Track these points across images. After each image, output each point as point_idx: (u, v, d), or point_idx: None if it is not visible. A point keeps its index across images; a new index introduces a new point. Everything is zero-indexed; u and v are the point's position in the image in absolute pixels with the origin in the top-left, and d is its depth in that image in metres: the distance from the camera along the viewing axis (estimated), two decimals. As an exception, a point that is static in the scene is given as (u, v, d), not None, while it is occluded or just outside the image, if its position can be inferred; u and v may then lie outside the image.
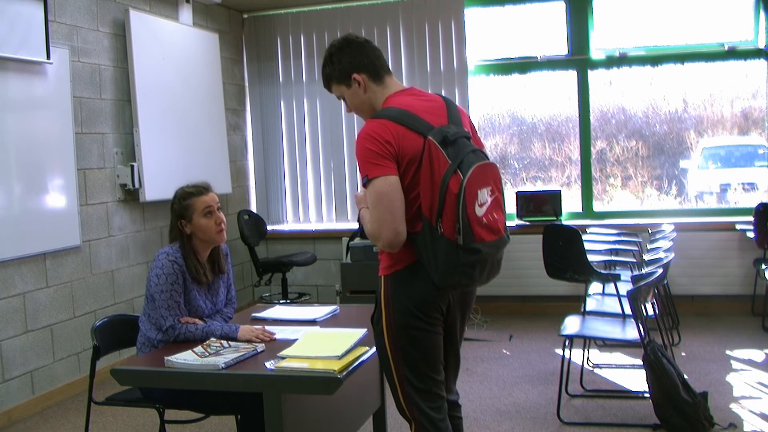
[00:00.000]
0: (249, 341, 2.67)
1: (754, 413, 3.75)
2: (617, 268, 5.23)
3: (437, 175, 2.15)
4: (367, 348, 2.46)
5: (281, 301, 6.14)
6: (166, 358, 2.44)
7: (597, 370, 4.56)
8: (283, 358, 2.39)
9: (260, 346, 2.57)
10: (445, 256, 2.14)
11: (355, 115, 7.47)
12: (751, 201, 6.01)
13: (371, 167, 2.19)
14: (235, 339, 2.70)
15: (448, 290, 2.28)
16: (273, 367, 2.32)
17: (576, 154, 6.43)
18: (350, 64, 2.37)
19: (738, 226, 5.76)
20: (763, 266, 5.31)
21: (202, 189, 2.92)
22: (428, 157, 2.17)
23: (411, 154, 2.21)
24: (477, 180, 2.17)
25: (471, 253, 2.14)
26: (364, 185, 2.23)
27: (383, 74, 2.40)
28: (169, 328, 2.73)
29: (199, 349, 2.52)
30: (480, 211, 2.17)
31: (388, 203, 2.17)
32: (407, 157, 2.21)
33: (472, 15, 6.44)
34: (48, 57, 4.35)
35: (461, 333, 2.48)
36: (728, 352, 4.87)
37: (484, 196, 2.19)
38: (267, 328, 2.87)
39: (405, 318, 2.26)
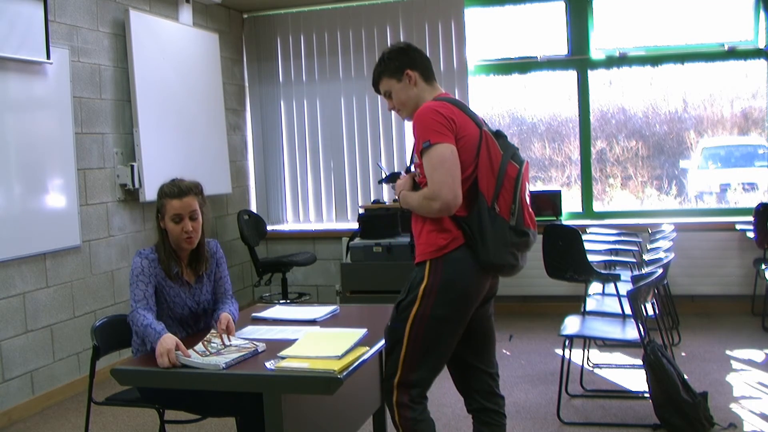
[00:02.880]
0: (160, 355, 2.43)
1: (754, 413, 3.75)
2: (617, 268, 5.23)
3: (495, 160, 2.36)
4: (367, 348, 2.46)
5: (281, 301, 6.14)
6: None
7: (597, 370, 4.56)
8: (283, 358, 2.39)
9: (261, 346, 2.55)
10: (500, 235, 2.31)
11: (355, 116, 7.39)
12: (751, 201, 6.01)
13: (435, 134, 2.33)
14: (155, 339, 2.49)
15: (496, 271, 2.43)
16: (273, 367, 2.32)
17: (576, 154, 6.43)
18: (406, 61, 2.56)
19: (738, 226, 5.76)
20: (763, 266, 5.31)
21: (180, 191, 2.78)
22: (486, 145, 2.37)
23: (466, 138, 2.37)
24: (526, 174, 2.41)
25: (521, 235, 2.34)
26: (422, 151, 2.35)
27: (432, 78, 2.60)
28: (132, 305, 2.69)
29: (199, 347, 2.51)
30: (527, 201, 2.41)
31: (450, 167, 2.31)
32: (462, 139, 2.37)
33: (472, 15, 6.45)
34: (48, 57, 4.35)
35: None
36: (728, 352, 4.87)
37: (527, 190, 2.43)
38: (267, 327, 2.88)
39: (446, 309, 2.37)
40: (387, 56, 2.59)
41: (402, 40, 6.45)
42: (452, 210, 2.32)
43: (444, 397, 4.03)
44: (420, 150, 2.35)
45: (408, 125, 6.61)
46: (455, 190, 2.30)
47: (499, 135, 2.42)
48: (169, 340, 2.45)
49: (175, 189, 2.79)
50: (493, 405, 2.60)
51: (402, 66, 2.54)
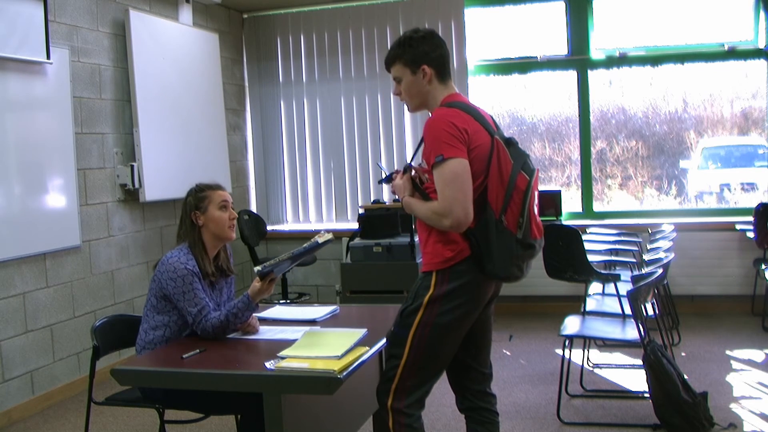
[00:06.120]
0: (263, 291, 2.72)
1: (754, 413, 3.75)
2: (617, 268, 5.23)
3: (505, 172, 2.30)
4: (367, 348, 2.46)
5: (281, 301, 6.14)
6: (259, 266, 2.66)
7: (597, 370, 4.56)
8: (283, 358, 2.39)
9: (324, 236, 2.68)
10: (507, 248, 2.29)
11: (355, 116, 7.38)
12: (751, 201, 6.02)
13: (447, 148, 2.28)
14: (249, 304, 2.72)
15: (500, 281, 2.45)
16: (273, 367, 2.32)
17: (576, 154, 6.43)
18: (425, 54, 2.45)
19: (738, 226, 5.76)
20: (763, 266, 5.31)
21: (219, 185, 2.99)
22: (497, 155, 2.31)
23: (478, 149, 2.33)
24: (535, 183, 2.38)
25: (527, 248, 2.32)
26: (434, 165, 2.30)
27: (448, 77, 2.51)
28: (196, 314, 2.72)
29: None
30: (535, 211, 2.38)
31: (462, 183, 2.27)
32: (475, 150, 2.33)
33: (472, 15, 6.45)
34: (48, 57, 4.35)
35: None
36: (728, 352, 4.87)
37: (535, 198, 2.39)
38: (267, 327, 2.88)
39: (450, 316, 2.37)
40: (408, 42, 2.45)
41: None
42: (462, 227, 2.29)
43: (444, 397, 4.03)
44: (432, 163, 2.31)
45: (408, 124, 6.64)
46: (467, 208, 2.26)
47: (510, 143, 2.36)
48: (254, 285, 2.70)
49: (214, 184, 2.98)
50: (485, 403, 2.61)
51: (420, 59, 2.43)
